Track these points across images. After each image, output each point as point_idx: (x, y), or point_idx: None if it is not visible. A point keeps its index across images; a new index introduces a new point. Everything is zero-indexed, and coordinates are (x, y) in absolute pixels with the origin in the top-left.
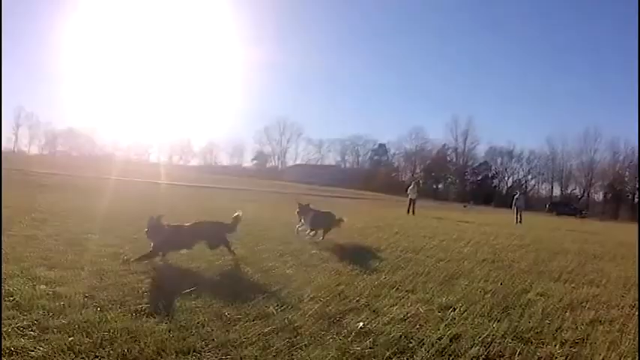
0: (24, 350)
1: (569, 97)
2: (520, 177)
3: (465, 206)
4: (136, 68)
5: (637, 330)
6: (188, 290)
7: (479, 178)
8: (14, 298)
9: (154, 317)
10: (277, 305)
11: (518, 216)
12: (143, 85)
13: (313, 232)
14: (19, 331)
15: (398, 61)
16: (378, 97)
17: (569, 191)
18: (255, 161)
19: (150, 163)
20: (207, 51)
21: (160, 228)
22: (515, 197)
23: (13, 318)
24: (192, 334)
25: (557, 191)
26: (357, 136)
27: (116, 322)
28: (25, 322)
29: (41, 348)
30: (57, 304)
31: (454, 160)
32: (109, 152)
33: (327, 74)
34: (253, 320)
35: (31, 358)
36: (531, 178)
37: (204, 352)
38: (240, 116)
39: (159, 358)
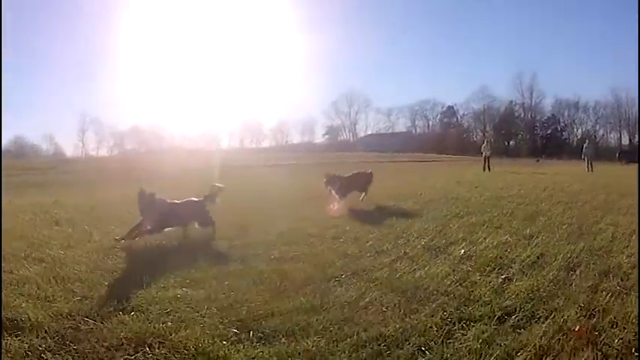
0: None
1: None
2: (588, 128)
3: (537, 160)
4: (196, 54)
5: (638, 324)
6: None
7: (548, 132)
8: None
9: None
10: (393, 240)
11: (589, 164)
12: (206, 71)
13: (344, 200)
14: None
15: (459, 17)
16: (442, 59)
17: (637, 139)
18: (326, 136)
19: (221, 150)
20: (268, 30)
21: (153, 204)
22: (585, 146)
23: None
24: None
25: (625, 140)
26: (425, 101)
27: None
28: None
29: None
30: None
31: (522, 115)
32: (178, 145)
33: (389, 40)
34: (375, 254)
35: None
36: (599, 128)
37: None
38: (307, 93)
39: None
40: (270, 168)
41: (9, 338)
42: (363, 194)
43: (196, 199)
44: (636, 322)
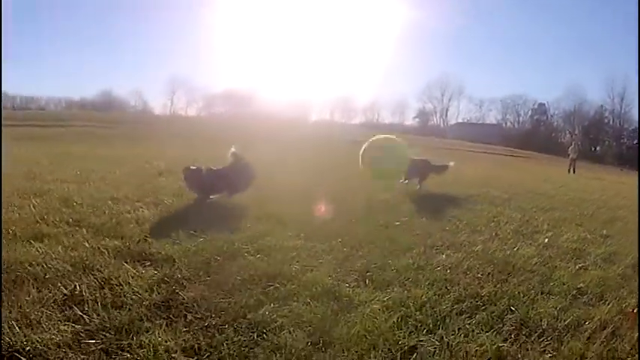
0: None
1: None
2: None
3: (621, 169)
4: (293, 21)
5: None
6: None
7: (634, 142)
8: None
9: None
10: (486, 223)
11: None
12: (303, 39)
13: (406, 181)
14: None
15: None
16: (537, 55)
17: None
18: (417, 119)
19: (311, 122)
20: (368, 7)
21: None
22: None
23: None
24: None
25: None
26: (517, 95)
27: None
28: None
29: None
30: None
31: (610, 122)
32: (269, 112)
33: (489, 29)
34: (470, 232)
35: None
36: None
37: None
38: (403, 73)
39: None
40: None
41: (142, 269)
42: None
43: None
44: None
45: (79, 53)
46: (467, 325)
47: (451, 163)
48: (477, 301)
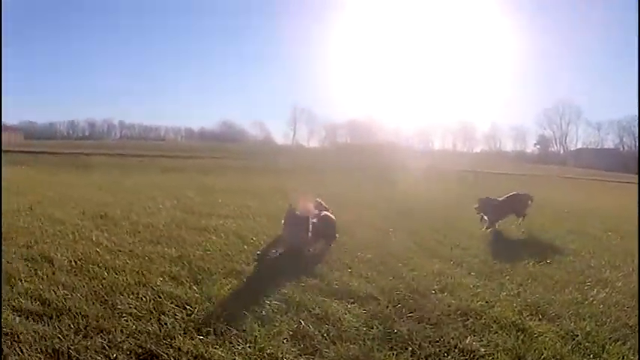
0: None
1: None
2: None
3: None
4: (414, 50)
5: (638, 331)
6: None
7: None
8: None
9: None
10: (622, 259)
11: None
12: (424, 68)
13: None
14: None
15: None
16: None
17: None
18: (537, 146)
19: (433, 151)
20: (478, 36)
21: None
22: None
23: None
24: None
25: None
26: (633, 117)
27: None
28: None
29: None
30: None
31: None
32: (391, 141)
33: (603, 47)
34: (611, 268)
35: None
36: None
37: None
38: (522, 99)
39: None
40: (483, 175)
41: (349, 306)
42: (521, 219)
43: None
44: None
45: (199, 83)
46: (622, 351)
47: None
48: (627, 330)
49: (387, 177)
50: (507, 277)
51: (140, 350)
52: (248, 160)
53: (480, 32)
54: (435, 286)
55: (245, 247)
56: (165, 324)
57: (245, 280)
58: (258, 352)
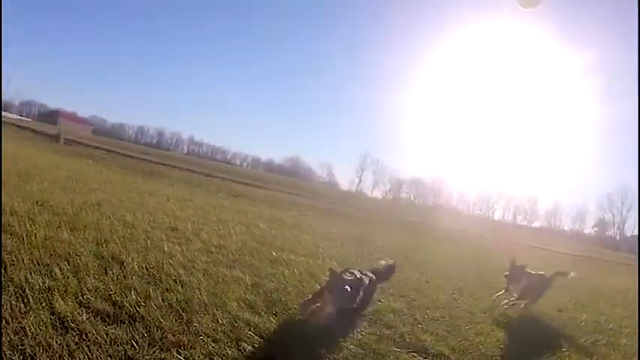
0: None
1: None
2: None
3: None
4: (485, 117)
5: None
6: None
7: None
8: None
9: None
10: None
11: None
12: (494, 135)
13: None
14: None
15: None
16: None
17: None
18: (595, 228)
19: (493, 220)
20: (561, 105)
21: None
22: None
23: None
24: None
25: None
26: None
27: None
28: None
29: None
30: None
31: None
32: (453, 204)
33: None
34: None
35: None
36: None
37: None
38: (587, 179)
39: None
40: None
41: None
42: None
43: None
44: None
45: (272, 117)
46: None
47: (572, 274)
48: None
49: (451, 239)
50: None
51: None
52: (315, 199)
53: (560, 106)
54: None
55: (317, 286)
56: (245, 350)
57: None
58: None
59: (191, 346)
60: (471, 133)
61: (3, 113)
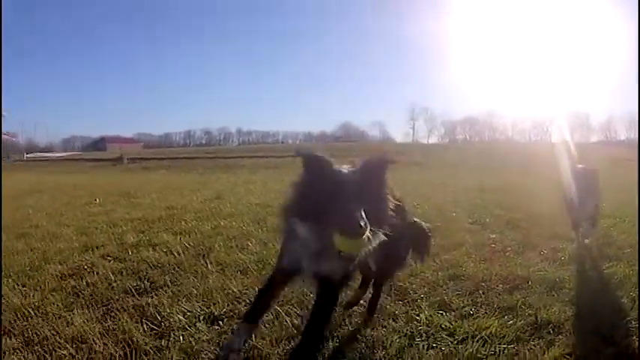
0: None
1: None
2: None
3: None
4: (527, 45)
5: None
6: None
7: None
8: None
9: None
10: None
11: None
12: (539, 61)
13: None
14: None
15: None
16: None
17: None
18: None
19: (551, 143)
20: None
21: None
22: None
23: None
24: None
25: None
26: None
27: None
28: None
29: None
30: None
31: None
32: (509, 136)
33: None
34: None
35: None
36: None
37: None
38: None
39: None
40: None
41: None
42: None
43: None
44: None
45: (318, 88)
46: None
47: None
48: None
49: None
50: None
51: None
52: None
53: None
54: None
55: None
56: None
57: None
58: None
59: None
60: (510, 61)
61: (48, 154)
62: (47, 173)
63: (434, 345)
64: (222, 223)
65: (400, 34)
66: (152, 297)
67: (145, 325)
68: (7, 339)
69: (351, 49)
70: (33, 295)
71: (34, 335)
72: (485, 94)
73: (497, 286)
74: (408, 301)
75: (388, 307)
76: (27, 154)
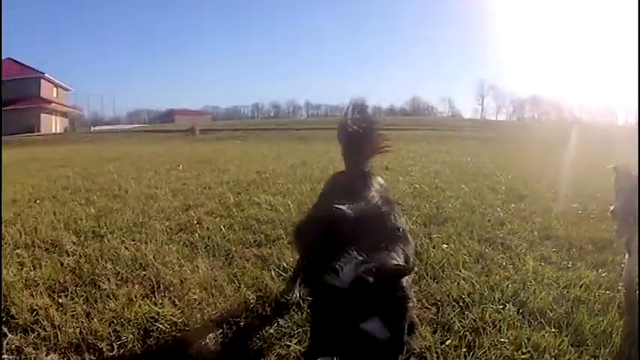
0: None
1: None
2: None
3: None
4: (598, 28)
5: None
6: None
7: None
8: None
9: None
10: None
11: None
12: (606, 44)
13: None
14: None
15: None
16: None
17: None
18: None
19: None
20: None
21: None
22: None
23: None
24: None
25: None
26: None
27: None
28: None
29: None
30: None
31: None
32: (576, 116)
33: None
34: None
35: None
36: None
37: None
38: None
39: None
40: None
41: None
42: None
43: None
44: None
45: (386, 62)
46: None
47: None
48: None
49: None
50: None
51: None
52: (433, 130)
53: None
54: None
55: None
56: None
57: None
58: None
59: None
60: (582, 44)
61: (114, 126)
62: (119, 144)
63: (542, 290)
64: (317, 186)
65: (470, 9)
66: (270, 248)
67: (272, 272)
68: (125, 287)
69: (421, 26)
70: (146, 248)
71: (157, 283)
72: (552, 75)
73: (587, 245)
74: (510, 256)
75: (494, 258)
76: (93, 127)
